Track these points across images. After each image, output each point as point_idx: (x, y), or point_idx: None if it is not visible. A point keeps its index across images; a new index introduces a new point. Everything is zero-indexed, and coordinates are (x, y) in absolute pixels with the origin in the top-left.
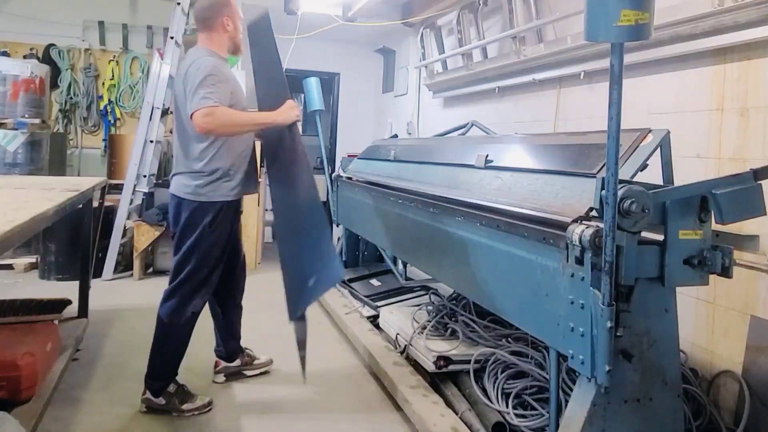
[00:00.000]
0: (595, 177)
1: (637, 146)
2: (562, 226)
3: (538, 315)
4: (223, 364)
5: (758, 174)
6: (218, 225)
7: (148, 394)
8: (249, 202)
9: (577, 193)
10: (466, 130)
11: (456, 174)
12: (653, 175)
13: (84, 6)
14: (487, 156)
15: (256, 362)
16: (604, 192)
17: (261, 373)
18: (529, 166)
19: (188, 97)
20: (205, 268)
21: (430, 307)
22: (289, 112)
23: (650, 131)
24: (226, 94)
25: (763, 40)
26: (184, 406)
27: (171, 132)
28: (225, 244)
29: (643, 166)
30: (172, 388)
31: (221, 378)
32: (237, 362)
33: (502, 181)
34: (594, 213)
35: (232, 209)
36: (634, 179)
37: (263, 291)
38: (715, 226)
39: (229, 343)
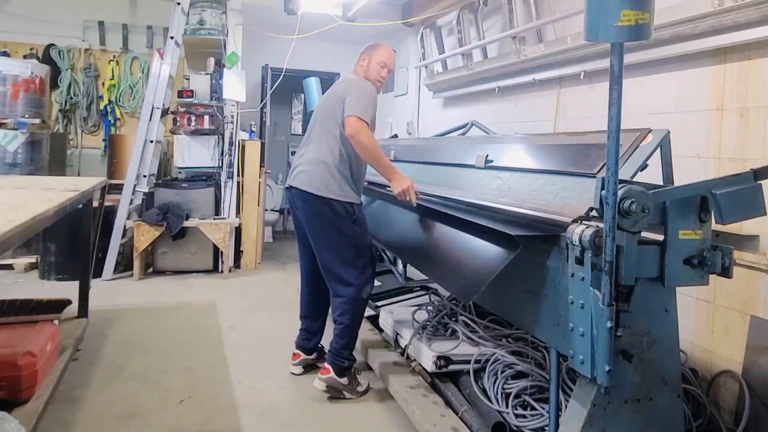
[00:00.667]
0: (594, 177)
1: (637, 146)
2: (562, 227)
3: (538, 315)
4: (302, 356)
5: (758, 174)
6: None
7: (333, 374)
8: (249, 203)
9: (577, 193)
10: (466, 130)
11: (456, 174)
12: (653, 175)
13: (84, 6)
14: (487, 156)
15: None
16: (604, 192)
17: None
18: (529, 166)
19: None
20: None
21: (430, 307)
22: (404, 184)
23: (650, 131)
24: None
25: (763, 40)
26: (359, 388)
27: (171, 133)
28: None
29: (643, 166)
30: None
31: (299, 369)
32: (314, 356)
33: (502, 181)
34: (594, 213)
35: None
36: (634, 179)
37: (264, 290)
38: (715, 226)
39: (314, 339)
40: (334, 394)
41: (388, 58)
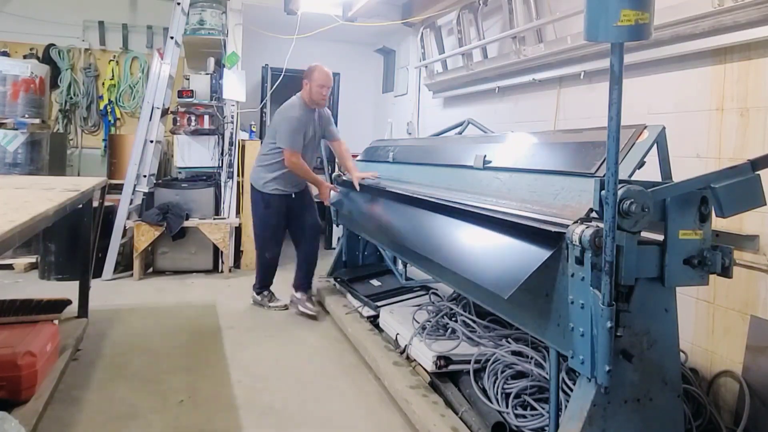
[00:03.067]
0: (593, 177)
1: (633, 143)
2: (563, 228)
3: (538, 315)
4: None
5: (756, 164)
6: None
7: (253, 292)
8: (248, 202)
9: (576, 194)
10: (462, 129)
11: (455, 175)
12: (651, 172)
13: (84, 6)
14: (485, 156)
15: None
16: (603, 192)
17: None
18: (528, 166)
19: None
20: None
21: (430, 307)
22: (325, 193)
23: (646, 127)
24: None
25: (763, 40)
26: (270, 303)
27: (171, 133)
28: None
29: (641, 164)
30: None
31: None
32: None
33: (501, 182)
34: (594, 215)
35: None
36: (632, 177)
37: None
38: (715, 225)
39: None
40: (256, 304)
41: (324, 79)
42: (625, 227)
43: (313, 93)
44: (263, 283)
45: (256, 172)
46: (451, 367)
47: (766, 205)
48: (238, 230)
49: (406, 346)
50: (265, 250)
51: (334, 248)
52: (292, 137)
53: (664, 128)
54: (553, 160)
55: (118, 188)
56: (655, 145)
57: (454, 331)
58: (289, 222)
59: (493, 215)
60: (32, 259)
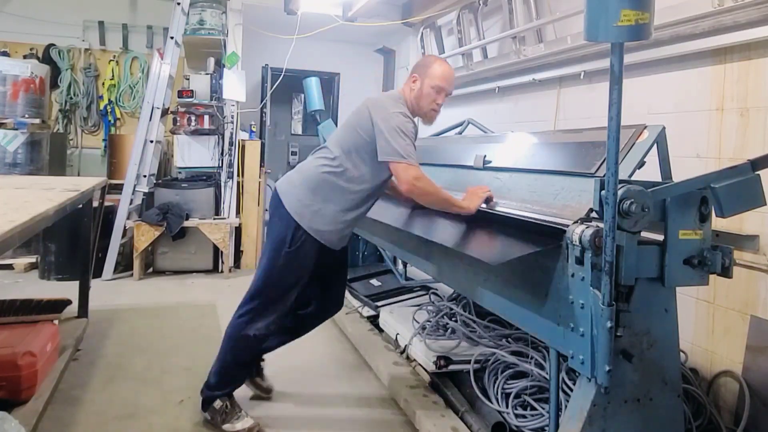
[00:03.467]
0: (593, 176)
1: (633, 143)
2: (564, 228)
3: (538, 315)
4: None
5: (756, 164)
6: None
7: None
8: (249, 203)
9: (576, 194)
10: (462, 129)
11: (455, 175)
12: (651, 172)
13: (84, 6)
14: (485, 156)
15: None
16: (603, 192)
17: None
18: (528, 166)
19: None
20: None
21: (430, 307)
22: (476, 199)
23: (645, 127)
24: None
25: (763, 40)
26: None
27: (171, 133)
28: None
29: (641, 164)
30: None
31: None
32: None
33: (502, 183)
34: (594, 215)
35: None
36: (632, 177)
37: None
38: (715, 225)
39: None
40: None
41: (445, 77)
42: (625, 227)
43: (423, 96)
44: (228, 380)
45: (305, 195)
46: (451, 367)
47: (766, 205)
48: (238, 230)
49: (406, 346)
50: (256, 318)
51: None
52: (407, 142)
53: (664, 128)
54: (553, 160)
55: (118, 188)
56: (655, 145)
57: (454, 331)
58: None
59: (494, 214)
60: (32, 259)
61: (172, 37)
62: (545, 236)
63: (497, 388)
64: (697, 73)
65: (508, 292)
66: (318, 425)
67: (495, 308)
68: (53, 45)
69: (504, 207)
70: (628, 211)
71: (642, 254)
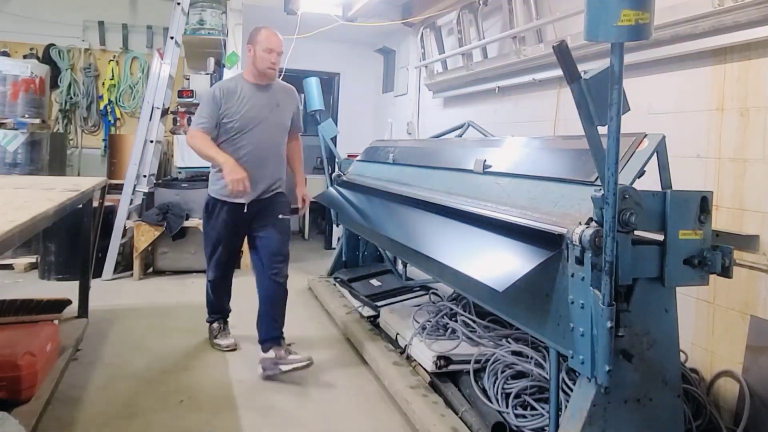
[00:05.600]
0: (593, 185)
1: (633, 152)
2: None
3: (538, 315)
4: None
5: None
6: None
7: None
8: None
9: (576, 202)
10: (463, 131)
11: (455, 179)
12: (650, 177)
13: (84, 6)
14: (485, 161)
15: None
16: (603, 192)
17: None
18: (528, 172)
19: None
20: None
21: (430, 307)
22: (233, 175)
23: (645, 136)
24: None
25: (763, 40)
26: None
27: (171, 133)
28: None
29: (641, 173)
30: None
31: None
32: None
33: (501, 188)
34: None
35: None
36: (632, 186)
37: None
38: (715, 225)
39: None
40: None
41: (271, 41)
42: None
43: (258, 60)
44: (210, 309)
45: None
46: (451, 367)
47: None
48: None
49: (406, 346)
50: (208, 270)
51: (334, 248)
52: (197, 115)
53: (664, 137)
54: (553, 167)
55: (118, 188)
56: (655, 154)
57: (454, 331)
58: (242, 242)
59: (494, 219)
60: (32, 259)
61: (172, 37)
62: (546, 242)
63: (497, 388)
64: (697, 73)
65: (508, 292)
66: (318, 425)
67: (495, 308)
68: (53, 45)
69: (504, 213)
70: (627, 222)
71: (642, 254)
